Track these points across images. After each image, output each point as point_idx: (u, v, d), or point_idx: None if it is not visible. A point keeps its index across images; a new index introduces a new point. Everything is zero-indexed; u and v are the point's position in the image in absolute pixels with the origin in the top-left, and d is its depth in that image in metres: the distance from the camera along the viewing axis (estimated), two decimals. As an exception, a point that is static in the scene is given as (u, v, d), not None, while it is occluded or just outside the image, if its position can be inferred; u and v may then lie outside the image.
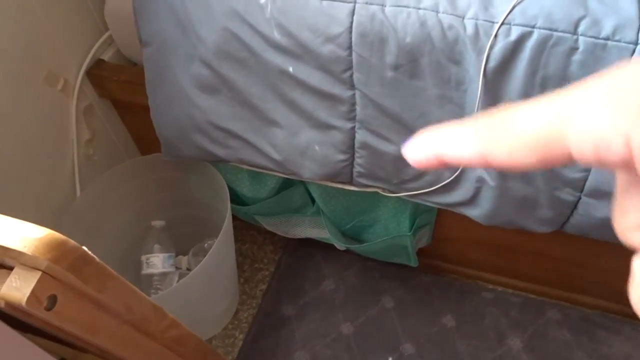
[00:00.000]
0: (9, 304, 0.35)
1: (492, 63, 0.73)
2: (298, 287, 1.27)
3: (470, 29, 0.73)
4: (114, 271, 0.38)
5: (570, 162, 0.17)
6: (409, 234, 1.07)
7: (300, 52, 0.82)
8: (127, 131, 1.21)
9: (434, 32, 0.75)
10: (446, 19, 0.74)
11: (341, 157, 0.92)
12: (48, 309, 0.35)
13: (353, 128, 0.88)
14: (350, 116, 0.86)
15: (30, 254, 0.31)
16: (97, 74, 1.06)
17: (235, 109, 0.93)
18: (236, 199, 1.16)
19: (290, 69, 0.84)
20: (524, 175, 0.83)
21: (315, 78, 0.83)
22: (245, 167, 1.03)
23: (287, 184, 1.12)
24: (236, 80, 0.88)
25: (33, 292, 0.34)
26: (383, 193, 0.98)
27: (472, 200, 0.91)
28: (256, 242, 1.38)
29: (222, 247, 1.03)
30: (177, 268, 1.19)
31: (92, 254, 0.35)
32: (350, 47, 0.79)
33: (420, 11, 0.75)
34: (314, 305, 1.24)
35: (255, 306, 1.26)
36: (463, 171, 0.87)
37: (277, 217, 1.17)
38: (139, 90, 1.02)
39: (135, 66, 1.11)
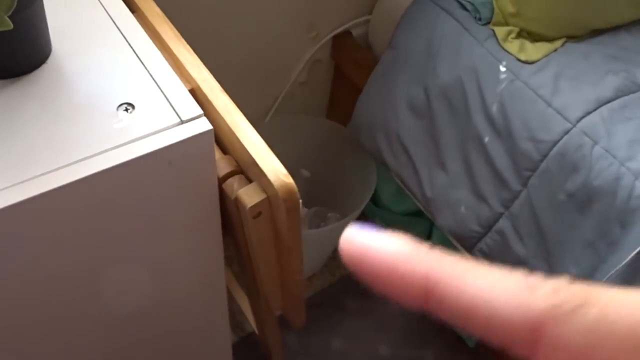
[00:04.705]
0: (237, 200, 0.51)
1: (653, 248, 0.78)
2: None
3: (653, 210, 0.78)
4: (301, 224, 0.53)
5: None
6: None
7: (504, 133, 0.91)
8: (329, 94, 1.38)
9: (622, 192, 0.80)
10: None
11: (476, 228, 1.01)
12: (253, 218, 0.51)
13: (502, 214, 0.96)
14: (507, 204, 0.95)
15: (276, 188, 0.46)
16: (341, 42, 1.22)
17: (424, 137, 1.04)
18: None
19: (486, 139, 0.94)
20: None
21: (500, 159, 0.93)
22: (398, 182, 1.15)
23: (419, 213, 1.23)
24: (440, 119, 1.00)
25: (256, 205, 0.50)
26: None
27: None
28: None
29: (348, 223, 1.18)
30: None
31: (301, 207, 0.50)
32: (545, 157, 0.87)
33: (623, 168, 0.81)
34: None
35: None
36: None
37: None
38: (361, 72, 1.17)
39: (369, 50, 1.26)
